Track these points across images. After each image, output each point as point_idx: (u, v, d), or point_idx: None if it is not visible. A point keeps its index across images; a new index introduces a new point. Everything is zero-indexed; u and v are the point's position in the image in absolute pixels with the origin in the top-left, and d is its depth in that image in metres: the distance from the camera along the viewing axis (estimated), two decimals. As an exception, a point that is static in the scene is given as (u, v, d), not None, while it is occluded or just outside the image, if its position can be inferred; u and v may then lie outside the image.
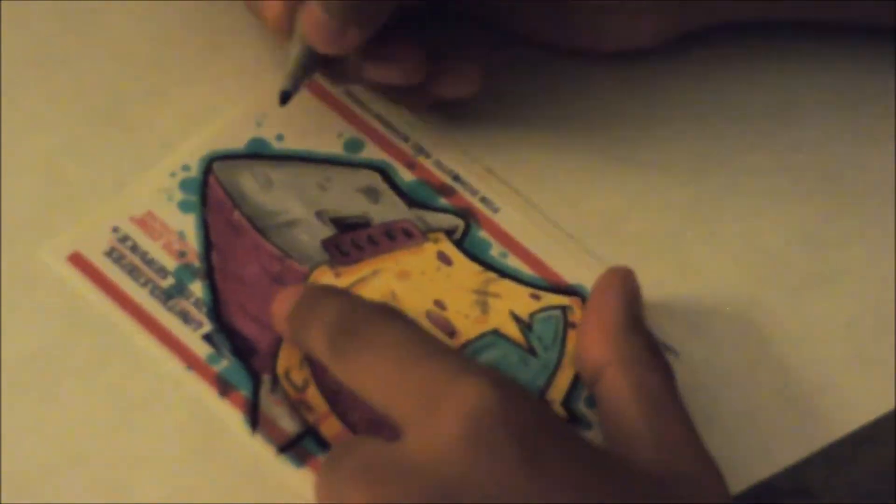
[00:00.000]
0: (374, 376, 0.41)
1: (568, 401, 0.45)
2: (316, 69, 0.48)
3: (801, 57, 0.52)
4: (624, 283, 0.45)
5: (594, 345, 0.43)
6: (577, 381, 0.46)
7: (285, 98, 0.48)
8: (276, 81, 0.48)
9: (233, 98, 0.50)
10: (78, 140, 0.50)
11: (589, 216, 0.49)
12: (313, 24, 0.46)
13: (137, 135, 0.50)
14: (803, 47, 0.52)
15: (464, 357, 0.41)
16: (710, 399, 0.45)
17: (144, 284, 0.47)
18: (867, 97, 0.52)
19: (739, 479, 0.44)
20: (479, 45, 0.51)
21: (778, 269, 0.48)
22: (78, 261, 0.47)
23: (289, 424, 0.45)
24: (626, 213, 0.49)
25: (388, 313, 0.42)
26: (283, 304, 0.44)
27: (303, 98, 0.50)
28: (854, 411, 0.46)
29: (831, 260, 0.49)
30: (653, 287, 0.47)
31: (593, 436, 0.45)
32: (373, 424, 0.44)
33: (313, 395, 0.45)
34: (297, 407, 0.45)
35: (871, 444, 0.45)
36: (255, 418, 0.45)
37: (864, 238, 0.49)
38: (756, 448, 0.45)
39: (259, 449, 0.44)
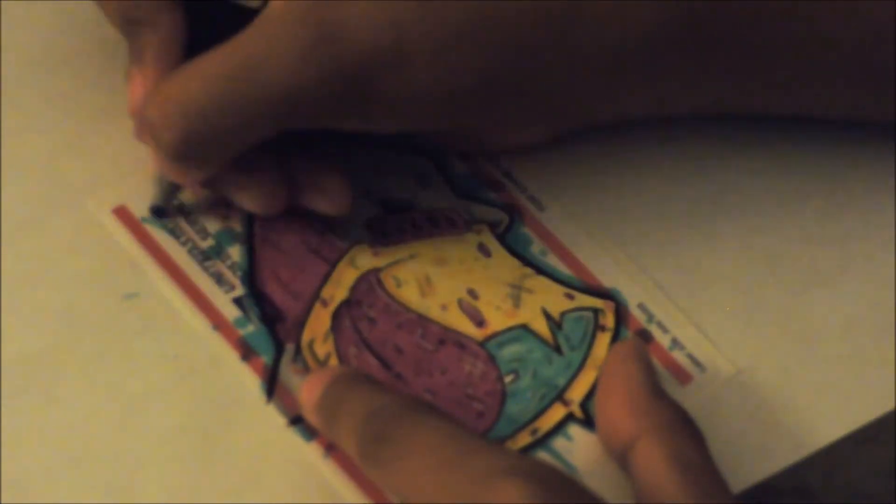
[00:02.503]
0: (413, 484, 0.39)
1: (586, 403, 0.45)
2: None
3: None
4: (640, 355, 0.44)
5: (623, 416, 0.42)
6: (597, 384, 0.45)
7: (158, 213, 0.48)
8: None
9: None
10: (78, 139, 0.50)
11: (588, 215, 0.49)
12: (154, 159, 0.46)
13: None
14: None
15: (500, 451, 0.40)
16: (710, 399, 0.45)
17: (184, 243, 0.47)
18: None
19: (739, 479, 0.44)
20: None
21: (778, 269, 0.48)
22: (122, 214, 0.48)
23: None
24: (626, 211, 0.49)
25: (419, 410, 0.41)
26: (310, 392, 0.43)
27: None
28: (854, 411, 0.45)
29: (831, 260, 0.48)
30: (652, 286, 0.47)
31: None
32: None
33: None
34: None
35: (871, 444, 0.45)
36: (271, 387, 0.45)
37: (864, 238, 0.49)
38: (756, 448, 0.45)
39: (271, 419, 0.44)
